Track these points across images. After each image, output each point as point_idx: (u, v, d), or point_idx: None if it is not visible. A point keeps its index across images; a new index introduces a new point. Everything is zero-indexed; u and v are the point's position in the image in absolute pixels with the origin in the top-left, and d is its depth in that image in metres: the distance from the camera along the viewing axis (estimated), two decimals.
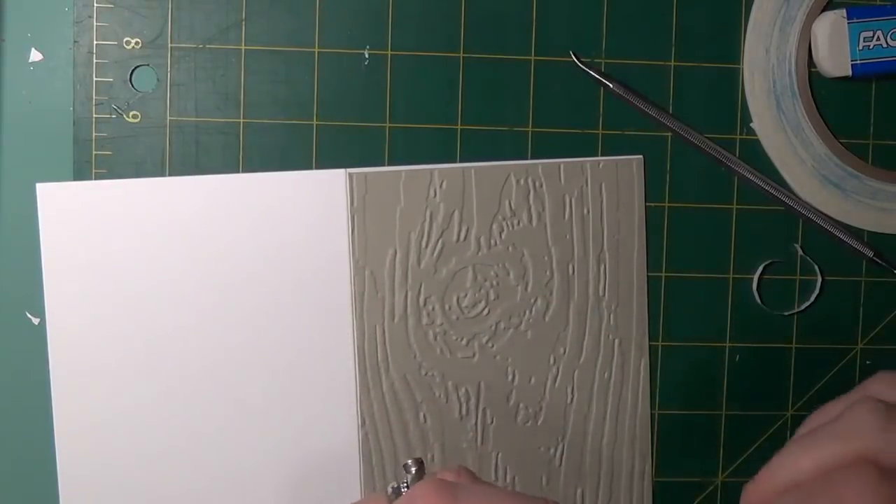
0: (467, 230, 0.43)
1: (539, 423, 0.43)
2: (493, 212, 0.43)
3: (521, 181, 0.43)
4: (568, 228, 0.43)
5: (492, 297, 0.43)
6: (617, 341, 0.44)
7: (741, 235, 0.45)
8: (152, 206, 0.41)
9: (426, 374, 0.43)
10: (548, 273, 0.43)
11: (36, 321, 0.42)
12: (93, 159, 0.42)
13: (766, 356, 0.45)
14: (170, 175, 0.42)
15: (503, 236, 0.43)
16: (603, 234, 0.43)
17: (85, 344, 0.41)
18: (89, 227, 0.41)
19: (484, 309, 0.43)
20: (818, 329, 0.45)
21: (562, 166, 0.43)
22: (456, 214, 0.42)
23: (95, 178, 0.42)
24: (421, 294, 0.42)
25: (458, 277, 0.43)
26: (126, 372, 0.41)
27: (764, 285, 0.45)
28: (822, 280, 0.45)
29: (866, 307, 0.45)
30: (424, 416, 0.43)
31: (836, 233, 0.45)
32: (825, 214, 0.45)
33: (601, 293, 0.43)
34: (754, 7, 0.44)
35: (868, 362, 0.46)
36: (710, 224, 0.45)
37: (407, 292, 0.42)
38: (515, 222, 0.43)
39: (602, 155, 0.44)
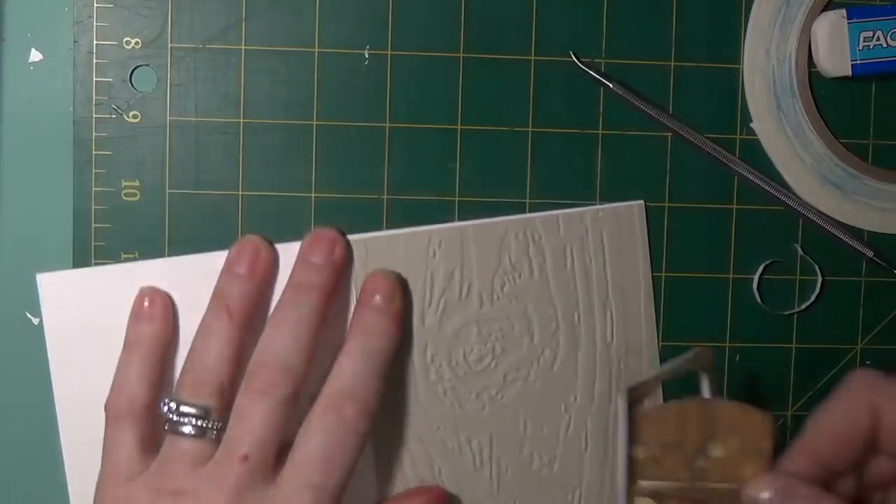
0: (469, 287, 0.43)
1: (554, 470, 0.43)
2: (494, 267, 0.43)
3: (520, 236, 0.43)
4: (571, 278, 0.43)
5: (498, 350, 0.43)
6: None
7: (741, 235, 0.45)
8: (155, 286, 0.41)
9: (437, 427, 0.43)
10: (553, 324, 0.43)
11: (36, 321, 0.42)
12: (93, 159, 0.42)
13: (766, 356, 0.45)
14: (169, 182, 0.42)
15: (505, 290, 0.43)
16: (607, 280, 0.43)
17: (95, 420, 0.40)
18: (93, 314, 0.41)
19: (491, 362, 0.43)
20: (818, 329, 0.45)
21: (560, 218, 0.43)
22: (456, 273, 0.42)
23: (95, 178, 0.42)
24: (427, 351, 0.42)
25: (462, 333, 0.43)
26: None
27: (764, 285, 0.45)
28: (822, 280, 0.45)
29: (866, 307, 0.46)
30: (439, 468, 0.43)
31: (836, 233, 0.45)
32: (825, 214, 0.45)
33: (609, 339, 0.43)
34: (754, 7, 0.44)
35: (868, 362, 0.46)
36: (710, 224, 0.45)
37: (413, 350, 0.42)
38: (517, 276, 0.43)
39: (602, 155, 0.44)
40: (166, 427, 0.37)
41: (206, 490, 0.35)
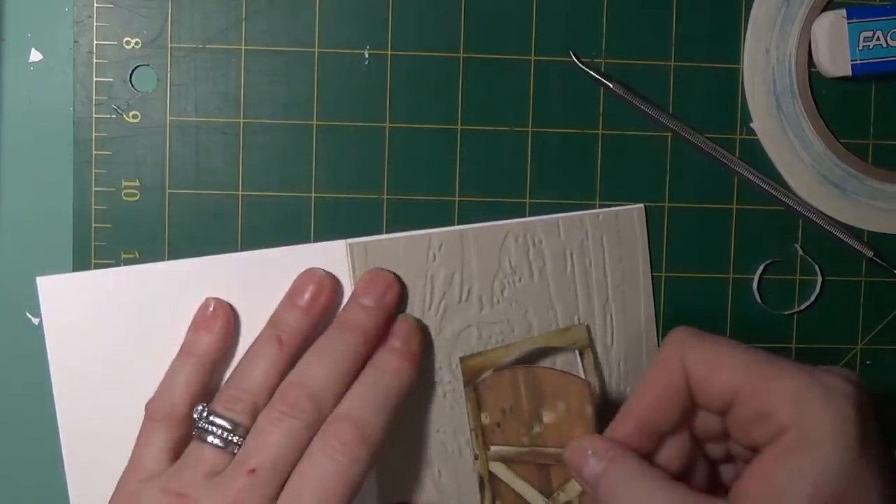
0: (469, 290, 0.43)
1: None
2: (494, 270, 0.43)
3: (520, 239, 0.43)
4: (571, 281, 0.43)
5: None
6: (629, 389, 0.43)
7: (741, 235, 0.45)
8: (154, 291, 0.41)
9: (437, 430, 0.43)
10: (553, 327, 0.43)
11: (36, 321, 0.42)
12: (93, 159, 0.42)
13: None
14: (169, 182, 0.42)
15: (505, 294, 0.43)
16: (607, 284, 0.43)
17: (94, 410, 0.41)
18: (92, 316, 0.41)
19: None
20: (818, 329, 0.45)
21: (560, 221, 0.43)
22: (456, 276, 0.42)
23: (95, 178, 0.42)
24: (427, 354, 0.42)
25: (462, 336, 0.42)
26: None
27: (764, 285, 0.45)
28: (822, 280, 0.45)
29: (866, 307, 0.46)
30: (438, 470, 0.43)
31: (836, 233, 0.45)
32: (825, 214, 0.45)
33: (609, 342, 0.43)
34: (754, 7, 0.44)
35: (868, 362, 0.46)
36: (710, 224, 0.45)
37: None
38: (517, 279, 0.43)
39: (602, 155, 0.44)
40: (194, 433, 0.37)
41: (207, 498, 0.35)
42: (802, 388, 0.31)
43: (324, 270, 0.41)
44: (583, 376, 0.41)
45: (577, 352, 0.41)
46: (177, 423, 0.38)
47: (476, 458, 0.40)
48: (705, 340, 0.34)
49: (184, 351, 0.40)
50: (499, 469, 0.40)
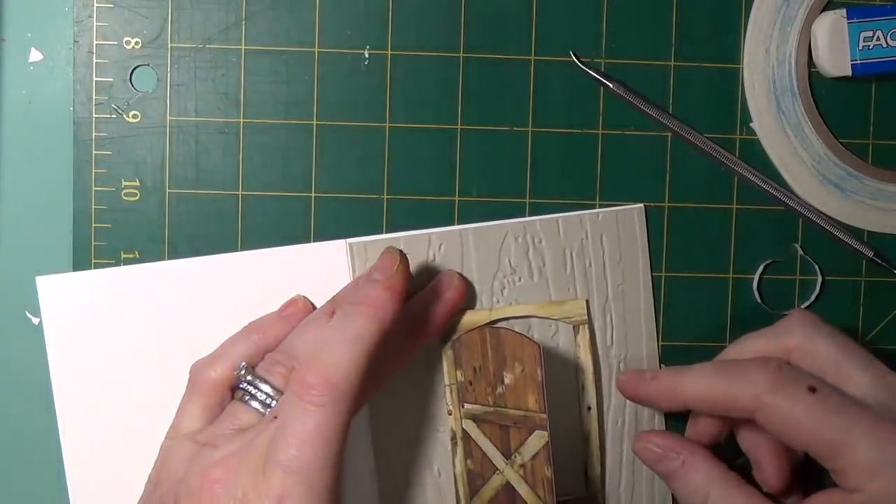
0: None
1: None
2: (494, 270, 0.43)
3: (519, 239, 0.43)
4: (570, 281, 0.43)
5: None
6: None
7: (741, 235, 0.45)
8: (154, 291, 0.41)
9: (438, 430, 0.43)
10: (553, 327, 0.43)
11: (36, 321, 0.42)
12: (93, 159, 0.42)
13: None
14: (169, 182, 0.42)
15: (505, 294, 0.43)
16: (607, 284, 0.43)
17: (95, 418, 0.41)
18: (92, 316, 0.41)
19: None
20: None
21: (560, 221, 0.43)
22: None
23: (95, 178, 0.42)
24: (428, 353, 0.42)
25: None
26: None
27: (764, 285, 0.45)
28: (822, 280, 0.45)
29: (866, 307, 0.46)
30: (439, 470, 0.43)
31: (836, 233, 0.45)
32: (825, 214, 0.45)
33: (609, 342, 0.43)
34: (754, 7, 0.44)
35: None
36: (710, 224, 0.45)
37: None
38: (516, 279, 0.43)
39: (602, 155, 0.44)
40: (236, 394, 0.38)
41: (228, 443, 0.35)
42: (871, 461, 0.35)
43: (400, 254, 0.38)
44: (577, 353, 0.42)
45: (571, 327, 0.41)
46: (214, 389, 0.38)
47: (450, 413, 0.41)
48: (784, 394, 0.37)
49: (249, 326, 0.40)
50: (470, 427, 0.40)
